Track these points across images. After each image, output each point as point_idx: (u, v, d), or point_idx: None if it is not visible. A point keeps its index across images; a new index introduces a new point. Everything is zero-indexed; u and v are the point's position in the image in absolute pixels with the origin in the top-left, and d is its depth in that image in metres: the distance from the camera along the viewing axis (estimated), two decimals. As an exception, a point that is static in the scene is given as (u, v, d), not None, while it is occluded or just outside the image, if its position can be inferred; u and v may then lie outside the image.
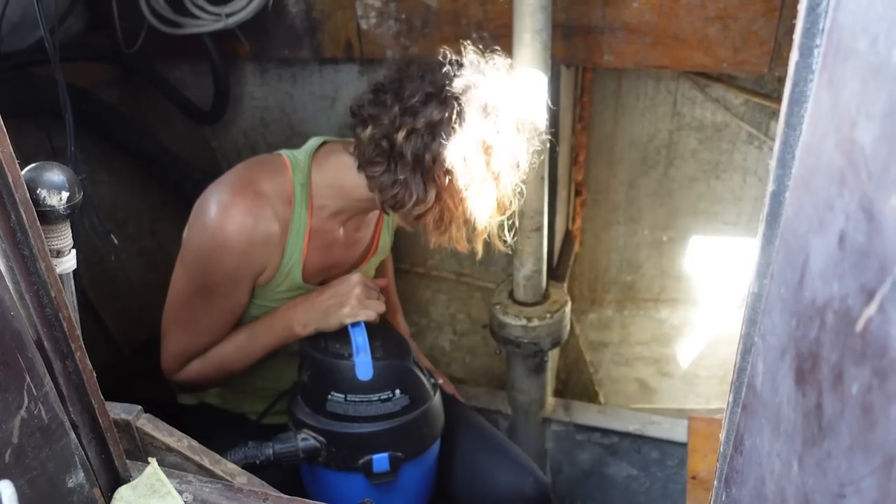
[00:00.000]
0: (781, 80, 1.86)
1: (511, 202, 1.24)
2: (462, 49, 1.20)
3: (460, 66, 1.18)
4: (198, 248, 1.26)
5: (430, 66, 1.19)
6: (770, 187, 0.47)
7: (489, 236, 1.28)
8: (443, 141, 1.14)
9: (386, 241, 1.58)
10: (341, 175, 1.30)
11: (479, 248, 1.34)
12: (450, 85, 1.15)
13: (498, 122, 1.15)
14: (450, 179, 1.17)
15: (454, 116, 1.13)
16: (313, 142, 1.37)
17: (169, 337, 1.37)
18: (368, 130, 1.20)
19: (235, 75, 2.16)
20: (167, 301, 1.36)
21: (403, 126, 1.16)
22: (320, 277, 1.43)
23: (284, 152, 1.35)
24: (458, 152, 1.14)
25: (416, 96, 1.15)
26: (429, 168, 1.17)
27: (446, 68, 1.17)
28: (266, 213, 1.25)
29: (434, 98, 1.15)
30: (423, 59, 1.22)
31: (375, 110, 1.19)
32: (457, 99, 1.14)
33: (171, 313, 1.35)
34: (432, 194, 1.19)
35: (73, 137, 1.35)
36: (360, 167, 1.25)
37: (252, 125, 2.29)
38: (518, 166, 1.20)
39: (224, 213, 1.22)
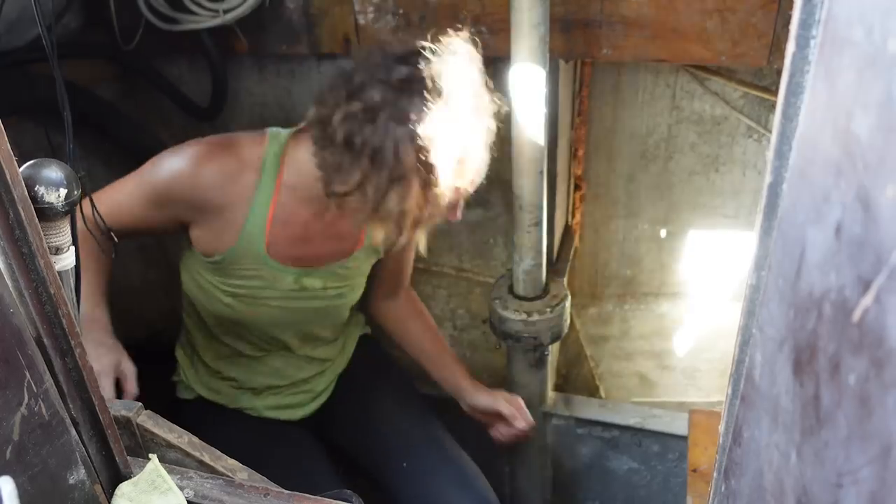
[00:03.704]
0: (780, 73, 1.85)
1: (454, 193, 1.21)
2: (442, 37, 1.18)
3: (418, 53, 1.16)
4: (156, 161, 1.31)
5: (390, 52, 1.19)
6: (767, 179, 0.47)
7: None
8: (376, 126, 1.13)
9: (378, 238, 1.46)
10: (308, 154, 1.30)
11: (422, 243, 1.32)
12: (399, 71, 1.14)
13: (441, 112, 1.12)
14: (377, 165, 1.15)
15: (394, 101, 1.12)
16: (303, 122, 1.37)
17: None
18: (313, 111, 1.22)
19: (233, 71, 2.15)
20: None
21: (340, 108, 1.16)
22: (298, 264, 1.41)
23: (270, 129, 1.36)
24: (390, 139, 1.12)
25: (364, 80, 1.15)
26: (358, 151, 1.15)
27: (404, 55, 1.16)
28: (229, 168, 1.28)
29: (380, 83, 1.14)
30: (385, 47, 1.21)
31: (326, 94, 1.21)
32: (402, 85, 1.12)
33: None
34: (355, 177, 1.17)
35: (71, 135, 1.34)
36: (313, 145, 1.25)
37: (250, 121, 2.29)
38: (463, 161, 1.16)
39: (192, 150, 1.28)
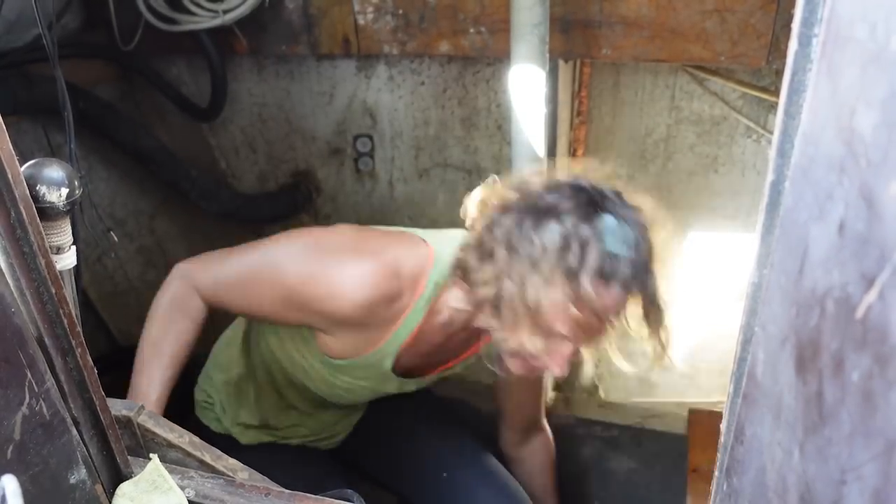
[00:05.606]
0: (779, 73, 1.86)
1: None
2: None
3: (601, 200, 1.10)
4: (313, 272, 1.16)
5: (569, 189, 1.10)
6: (769, 177, 0.47)
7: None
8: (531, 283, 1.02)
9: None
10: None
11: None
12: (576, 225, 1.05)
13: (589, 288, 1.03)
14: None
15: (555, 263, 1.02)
16: (460, 236, 1.23)
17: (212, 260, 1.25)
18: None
19: (232, 72, 2.15)
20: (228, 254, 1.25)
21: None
22: (408, 374, 1.35)
23: (432, 240, 1.23)
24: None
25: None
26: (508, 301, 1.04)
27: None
28: (389, 297, 1.17)
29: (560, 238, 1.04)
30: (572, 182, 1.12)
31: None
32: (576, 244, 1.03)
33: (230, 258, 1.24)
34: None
35: (72, 134, 1.34)
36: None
37: (250, 121, 2.29)
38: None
39: (358, 278, 1.14)
